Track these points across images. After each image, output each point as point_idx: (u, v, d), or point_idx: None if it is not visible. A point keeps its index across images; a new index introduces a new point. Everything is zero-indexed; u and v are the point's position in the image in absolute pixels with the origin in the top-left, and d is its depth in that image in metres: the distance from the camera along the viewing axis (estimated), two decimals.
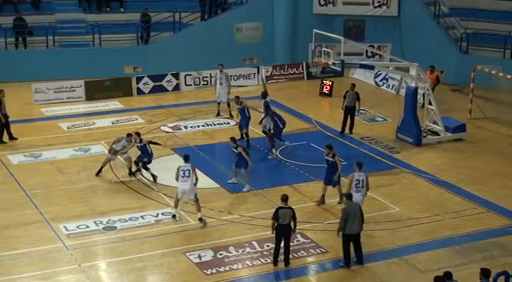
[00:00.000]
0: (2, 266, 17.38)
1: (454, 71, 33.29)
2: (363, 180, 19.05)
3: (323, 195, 20.99)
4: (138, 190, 21.69)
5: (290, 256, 17.70)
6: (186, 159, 19.69)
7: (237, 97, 25.60)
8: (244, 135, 25.01)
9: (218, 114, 28.18)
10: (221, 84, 28.08)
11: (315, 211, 20.56)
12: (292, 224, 17.37)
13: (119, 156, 22.75)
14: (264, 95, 25.22)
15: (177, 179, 19.51)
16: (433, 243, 18.90)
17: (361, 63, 26.90)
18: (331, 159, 20.67)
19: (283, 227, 17.31)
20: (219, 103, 28.26)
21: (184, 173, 19.37)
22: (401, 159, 24.55)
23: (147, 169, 22.32)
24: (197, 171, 19.98)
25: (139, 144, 22.28)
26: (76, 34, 34.00)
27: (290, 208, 17.41)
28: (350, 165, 23.19)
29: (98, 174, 22.58)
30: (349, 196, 17.63)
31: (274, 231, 17.42)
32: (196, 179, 19.61)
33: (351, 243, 17.52)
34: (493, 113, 28.69)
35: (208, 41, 34.41)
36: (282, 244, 17.51)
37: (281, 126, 24.71)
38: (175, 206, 19.87)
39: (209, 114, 28.58)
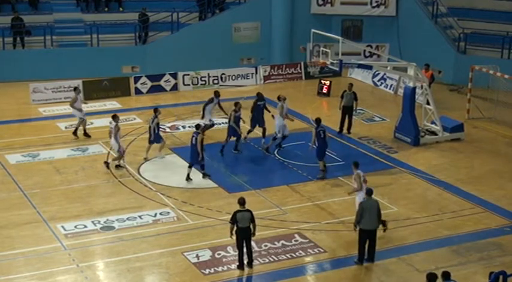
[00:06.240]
0: (0, 266, 17.38)
1: (452, 70, 33.36)
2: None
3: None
4: (136, 190, 21.66)
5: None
6: None
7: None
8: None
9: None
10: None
11: (313, 211, 20.54)
12: (251, 227, 17.11)
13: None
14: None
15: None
16: (430, 243, 18.90)
17: (359, 63, 26.85)
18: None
19: (243, 230, 17.06)
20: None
21: None
22: (399, 159, 24.53)
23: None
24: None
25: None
26: (74, 34, 33.95)
27: (248, 211, 17.15)
28: (348, 165, 23.25)
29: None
30: (368, 192, 17.64)
31: (234, 236, 17.13)
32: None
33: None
34: (491, 113, 28.68)
35: (206, 41, 34.41)
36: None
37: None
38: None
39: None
